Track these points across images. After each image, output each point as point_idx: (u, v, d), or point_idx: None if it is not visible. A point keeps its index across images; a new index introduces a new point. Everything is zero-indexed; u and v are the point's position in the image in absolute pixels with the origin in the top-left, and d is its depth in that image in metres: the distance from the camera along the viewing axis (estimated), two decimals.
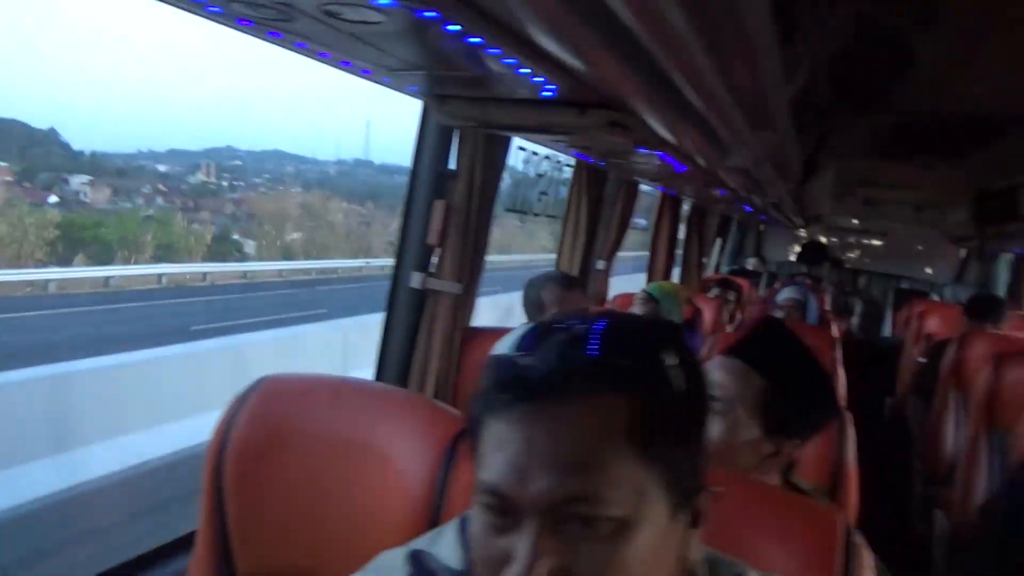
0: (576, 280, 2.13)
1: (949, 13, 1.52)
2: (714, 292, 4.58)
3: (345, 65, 1.20)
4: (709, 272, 7.66)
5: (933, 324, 5.53)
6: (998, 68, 2.20)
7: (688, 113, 1.14)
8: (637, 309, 3.28)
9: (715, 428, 1.27)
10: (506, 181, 2.79)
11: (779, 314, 3.88)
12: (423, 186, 1.97)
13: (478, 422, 0.68)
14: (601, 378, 0.65)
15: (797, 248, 9.12)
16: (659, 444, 0.65)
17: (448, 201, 1.97)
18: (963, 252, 7.99)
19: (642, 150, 1.55)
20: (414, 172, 1.96)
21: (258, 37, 1.20)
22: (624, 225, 3.56)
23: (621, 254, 4.08)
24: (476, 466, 0.68)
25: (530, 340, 0.69)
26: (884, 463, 4.60)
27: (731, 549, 1.07)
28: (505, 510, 0.64)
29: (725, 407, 1.27)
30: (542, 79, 1.02)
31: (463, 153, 1.93)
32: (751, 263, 8.66)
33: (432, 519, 1.08)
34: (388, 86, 1.25)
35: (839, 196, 7.45)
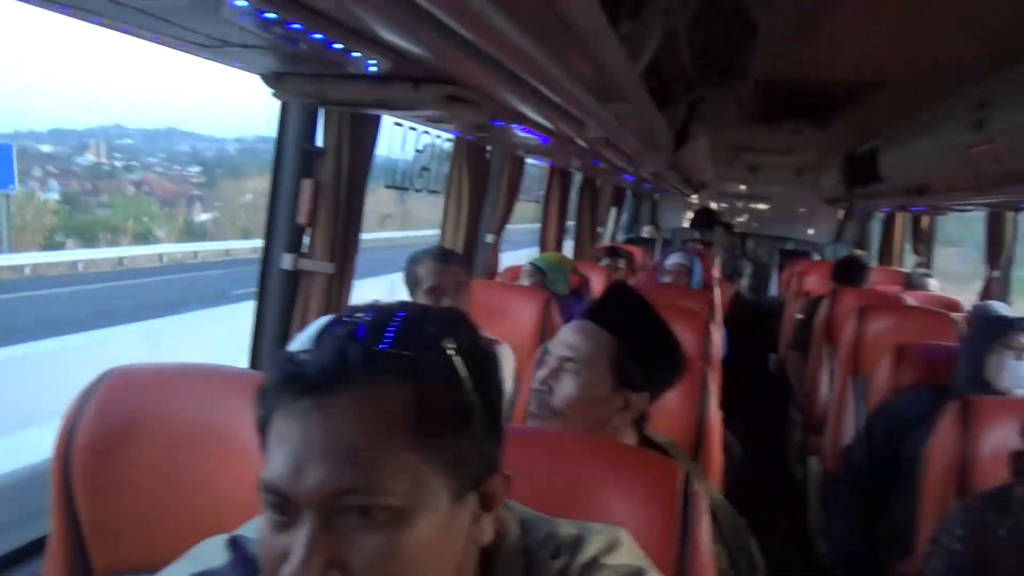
0: (453, 255, 2.14)
1: None
2: (604, 261, 4.70)
3: (178, 43, 1.16)
4: (605, 241, 7.85)
5: (811, 282, 5.87)
6: (842, 37, 2.33)
7: (529, 89, 1.16)
8: (525, 281, 3.34)
9: (569, 386, 1.35)
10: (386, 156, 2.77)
11: (667, 279, 4.02)
12: (289, 164, 1.93)
13: (264, 422, 0.68)
14: (376, 369, 0.65)
15: (690, 215, 9.45)
16: (439, 432, 0.66)
17: (317, 179, 1.93)
18: (841, 213, 8.47)
19: (498, 123, 1.57)
20: (279, 150, 1.92)
21: (82, 20, 1.14)
22: (511, 198, 3.60)
23: (525, 226, 4.12)
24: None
25: (317, 336, 0.69)
26: (767, 415, 4.88)
27: (577, 503, 1.12)
28: (284, 507, 0.64)
29: (577, 367, 1.36)
30: (374, 58, 1.01)
31: (329, 130, 1.90)
32: (646, 231, 8.91)
33: None
34: (223, 63, 1.21)
35: (725, 163, 7.77)
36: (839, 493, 2.61)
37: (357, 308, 0.71)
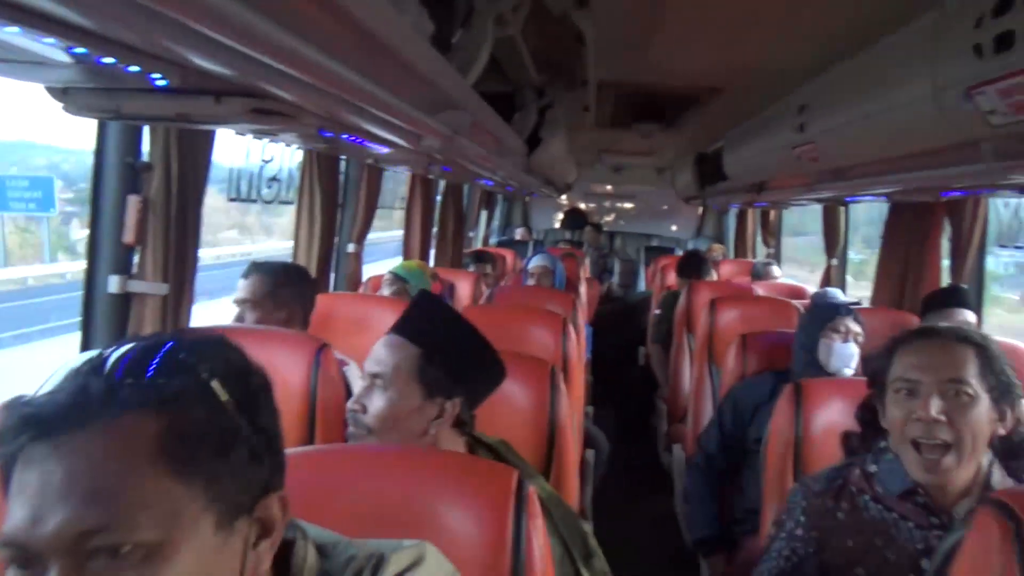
0: (257, 267, 2.09)
1: None
2: (471, 266, 4.72)
3: None
4: (477, 245, 7.89)
5: (673, 277, 6.14)
6: (674, 45, 2.44)
7: (343, 101, 1.14)
8: (385, 291, 3.29)
9: (379, 402, 1.36)
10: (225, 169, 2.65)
11: (531, 281, 4.08)
12: (111, 180, 1.80)
13: (5, 473, 0.62)
14: (117, 401, 0.62)
15: (561, 215, 9.67)
16: (197, 459, 0.63)
17: (144, 195, 1.82)
18: (700, 209, 8.92)
19: (326, 134, 1.54)
20: (97, 164, 1.79)
21: None
22: (371, 206, 3.54)
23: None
24: None
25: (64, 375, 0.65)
26: (637, 406, 5.07)
27: (412, 519, 1.11)
28: (27, 561, 0.59)
29: (385, 381, 1.35)
30: (164, 74, 0.96)
31: (155, 143, 1.80)
32: (519, 232, 9.02)
33: None
34: (7, 76, 1.11)
35: (589, 164, 8.00)
36: (694, 478, 2.73)
37: (124, 341, 0.67)
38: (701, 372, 3.55)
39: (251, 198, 2.75)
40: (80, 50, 0.87)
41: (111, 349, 0.66)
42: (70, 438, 0.60)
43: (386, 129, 1.44)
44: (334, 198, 2.92)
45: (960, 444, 1.31)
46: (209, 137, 1.92)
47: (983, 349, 1.36)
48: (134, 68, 0.92)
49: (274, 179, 2.84)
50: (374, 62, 1.15)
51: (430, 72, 1.25)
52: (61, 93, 1.12)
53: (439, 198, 5.27)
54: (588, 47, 2.12)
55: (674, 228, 9.63)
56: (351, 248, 3.59)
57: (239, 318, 2.13)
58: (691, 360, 4.03)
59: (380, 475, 1.13)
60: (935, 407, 1.31)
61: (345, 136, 1.58)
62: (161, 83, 0.97)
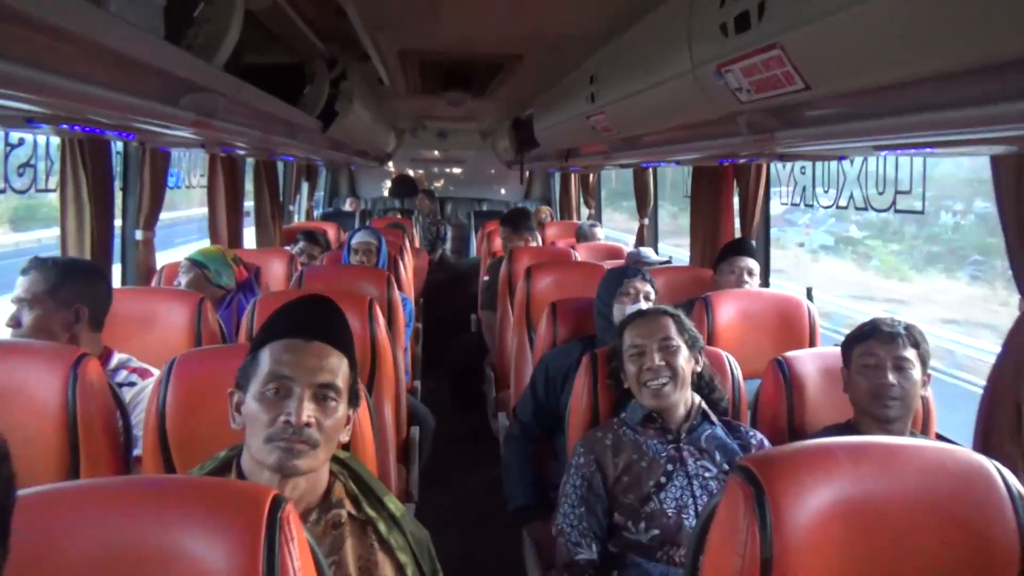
0: (30, 265, 1.89)
1: None
2: (299, 246, 4.46)
3: None
4: (301, 218, 7.55)
5: (499, 243, 6.18)
6: (467, 13, 2.38)
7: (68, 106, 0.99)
8: (182, 279, 3.04)
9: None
10: None
11: (355, 259, 3.90)
12: None
13: None
14: None
15: (389, 183, 9.45)
16: None
17: None
18: (528, 173, 9.03)
19: (37, 125, 1.34)
20: None
21: None
22: (158, 188, 3.25)
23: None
24: None
25: None
26: (470, 375, 5.08)
27: (158, 556, 1.00)
28: None
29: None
30: None
31: None
32: (349, 203, 8.74)
33: None
34: None
35: (411, 131, 7.86)
36: (511, 448, 2.76)
37: None
38: (521, 339, 3.58)
39: None
40: None
41: None
42: None
43: (125, 117, 1.28)
44: (105, 182, 2.63)
45: (676, 377, 1.94)
46: None
47: (676, 317, 2.03)
48: None
49: (27, 165, 2.52)
50: (87, 62, 1.00)
51: (155, 61, 1.11)
52: None
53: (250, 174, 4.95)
54: (354, 17, 2.01)
55: (503, 192, 9.70)
56: (139, 235, 3.29)
57: (15, 319, 1.90)
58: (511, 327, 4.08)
59: (122, 512, 1.02)
60: (657, 359, 1.94)
61: (86, 129, 1.39)
62: None
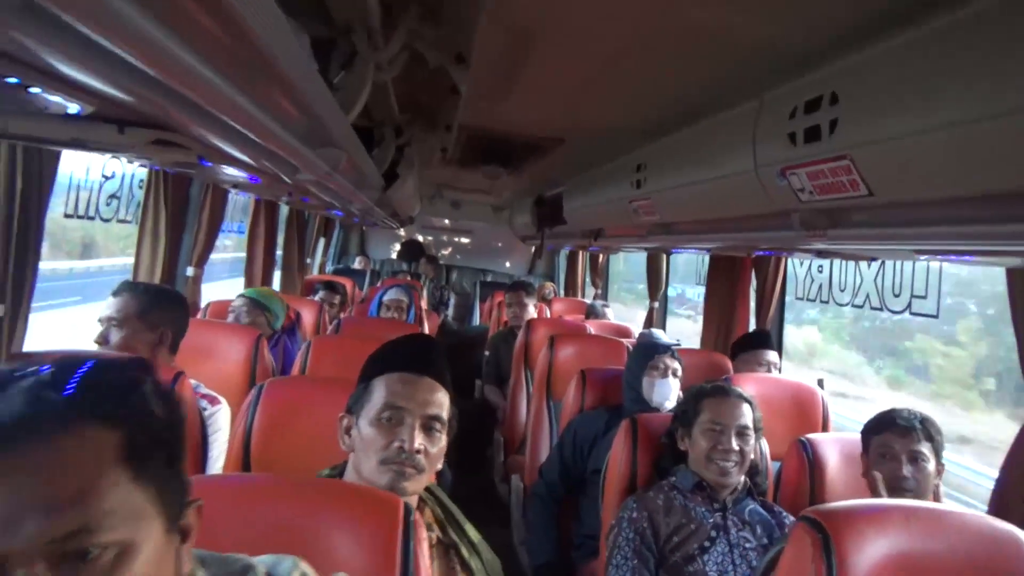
0: (122, 287, 2.05)
1: (481, 51, 1.80)
2: (320, 295, 4.64)
3: None
4: (315, 272, 7.73)
5: (509, 313, 6.37)
6: (532, 97, 2.63)
7: (237, 134, 1.16)
8: (244, 317, 3.17)
9: (439, 445, 1.49)
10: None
11: (388, 314, 4.11)
12: None
13: None
14: (80, 414, 0.66)
15: (397, 246, 9.69)
16: (150, 467, 0.69)
17: None
18: (533, 249, 9.30)
19: (206, 163, 1.53)
20: None
21: None
22: (213, 230, 3.42)
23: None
24: None
25: None
26: (474, 439, 5.17)
27: (299, 545, 1.14)
28: None
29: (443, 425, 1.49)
30: (64, 99, 0.94)
31: None
32: (359, 261, 8.95)
33: None
34: None
35: (429, 197, 8.13)
36: (535, 507, 2.87)
37: (29, 361, 0.70)
38: (540, 405, 3.72)
39: (89, 215, 2.60)
40: None
41: (43, 366, 0.68)
42: (30, 450, 0.62)
43: (268, 160, 1.45)
44: (181, 219, 2.81)
45: (743, 462, 2.09)
46: (56, 156, 1.83)
47: (752, 404, 2.16)
48: (60, 98, 0.90)
49: (114, 196, 2.70)
50: (271, 94, 1.18)
51: (318, 107, 1.29)
52: None
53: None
54: (461, 97, 2.24)
55: (507, 265, 9.95)
56: (190, 272, 3.44)
57: (103, 337, 2.03)
58: (528, 394, 4.22)
59: (273, 503, 1.15)
60: (735, 443, 2.07)
61: (224, 167, 1.57)
62: (72, 110, 0.94)
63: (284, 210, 5.23)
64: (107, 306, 2.12)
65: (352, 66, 1.65)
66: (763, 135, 1.89)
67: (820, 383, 3.40)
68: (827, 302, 3.44)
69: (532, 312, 5.02)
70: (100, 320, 2.12)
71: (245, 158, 1.45)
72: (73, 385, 0.67)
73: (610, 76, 2.27)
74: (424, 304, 7.58)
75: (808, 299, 3.61)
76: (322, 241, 7.76)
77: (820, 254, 2.45)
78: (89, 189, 2.59)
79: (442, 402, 1.49)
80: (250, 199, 4.29)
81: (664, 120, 2.68)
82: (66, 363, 0.69)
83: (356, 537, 1.14)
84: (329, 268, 8.62)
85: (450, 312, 8.42)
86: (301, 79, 1.10)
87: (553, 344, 3.77)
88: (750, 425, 2.11)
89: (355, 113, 1.69)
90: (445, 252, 10.06)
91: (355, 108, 1.67)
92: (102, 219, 2.59)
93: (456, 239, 10.15)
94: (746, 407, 2.13)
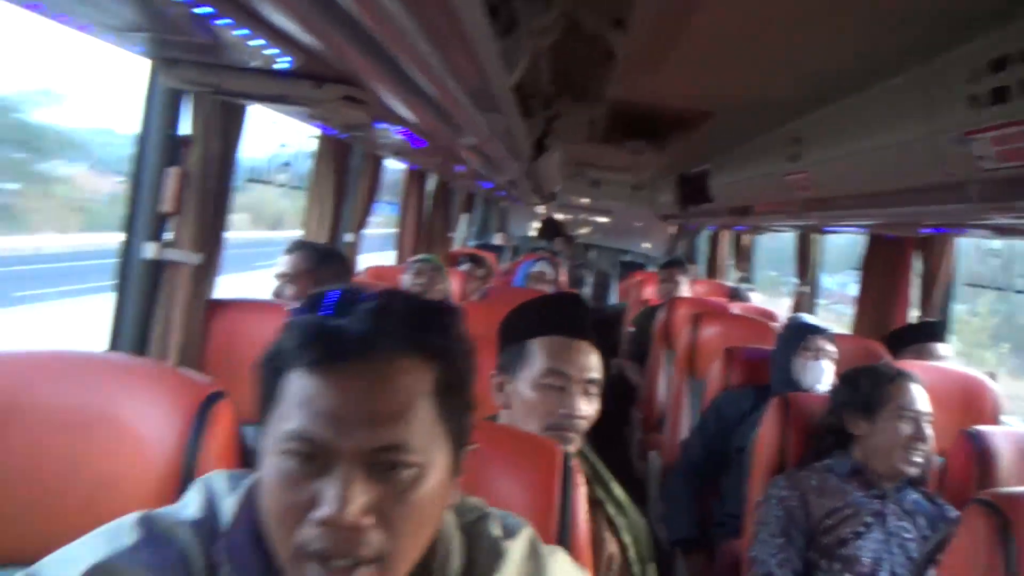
0: (296, 245, 2.20)
1: (640, 16, 1.79)
2: (465, 266, 4.81)
3: (62, 18, 1.12)
4: (457, 246, 7.99)
5: (649, 292, 6.30)
6: (686, 67, 2.58)
7: (420, 93, 1.23)
8: (421, 280, 3.27)
9: (593, 407, 1.49)
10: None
11: (535, 284, 4.24)
12: (153, 152, 1.85)
13: (275, 376, 0.74)
14: (410, 343, 0.74)
15: (536, 224, 9.82)
16: (450, 403, 0.77)
17: (183, 168, 1.89)
18: (673, 228, 9.13)
19: (380, 125, 1.62)
20: (143, 137, 1.85)
21: None
22: (370, 199, 3.61)
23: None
24: (270, 417, 0.74)
25: (334, 304, 0.76)
26: (610, 417, 5.18)
27: (469, 484, 1.21)
28: (313, 456, 0.71)
29: (597, 387, 1.50)
30: (277, 51, 1.04)
31: (197, 119, 1.85)
32: (499, 237, 9.18)
33: (182, 488, 1.08)
34: (113, 43, 1.17)
35: (569, 176, 8.17)
36: (676, 484, 2.86)
37: (359, 288, 0.78)
38: (681, 383, 3.69)
39: (266, 180, 2.83)
40: (206, 8, 0.94)
41: (378, 294, 0.77)
42: (367, 365, 0.72)
43: (438, 121, 1.53)
44: (344, 186, 3.00)
45: (928, 458, 1.99)
46: (243, 113, 1.98)
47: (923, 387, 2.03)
48: (272, 51, 1.00)
49: (286, 164, 2.92)
50: (451, 50, 1.23)
51: (489, 70, 1.34)
52: (167, 65, 1.18)
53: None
54: (614, 65, 2.24)
55: (646, 245, 9.83)
56: (348, 238, 3.65)
57: (278, 292, 2.22)
58: (668, 372, 4.18)
59: None
60: (928, 434, 1.97)
61: (395, 128, 1.67)
62: (283, 65, 1.05)
63: (430, 185, 5.44)
64: (281, 263, 2.31)
65: (512, 33, 1.70)
66: (939, 99, 1.77)
67: (992, 375, 3.14)
68: (1002, 289, 3.17)
69: (685, 290, 4.94)
70: (276, 276, 2.32)
71: (416, 119, 1.53)
72: (406, 315, 0.75)
73: (769, 44, 2.20)
74: (565, 279, 7.70)
75: (979, 286, 3.34)
76: (464, 217, 7.99)
77: (999, 231, 2.26)
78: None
79: (597, 365, 1.51)
80: (399, 176, 4.48)
81: (821, 91, 2.56)
82: (396, 296, 0.78)
83: (518, 480, 1.20)
84: (471, 243, 8.87)
85: (587, 291, 8.45)
86: (479, 40, 1.15)
87: (697, 322, 3.72)
88: (932, 413, 2.01)
89: (515, 78, 1.74)
90: (584, 231, 10.08)
91: (515, 73, 1.72)
92: (277, 185, 2.81)
93: (595, 218, 10.14)
94: (927, 394, 2.03)
